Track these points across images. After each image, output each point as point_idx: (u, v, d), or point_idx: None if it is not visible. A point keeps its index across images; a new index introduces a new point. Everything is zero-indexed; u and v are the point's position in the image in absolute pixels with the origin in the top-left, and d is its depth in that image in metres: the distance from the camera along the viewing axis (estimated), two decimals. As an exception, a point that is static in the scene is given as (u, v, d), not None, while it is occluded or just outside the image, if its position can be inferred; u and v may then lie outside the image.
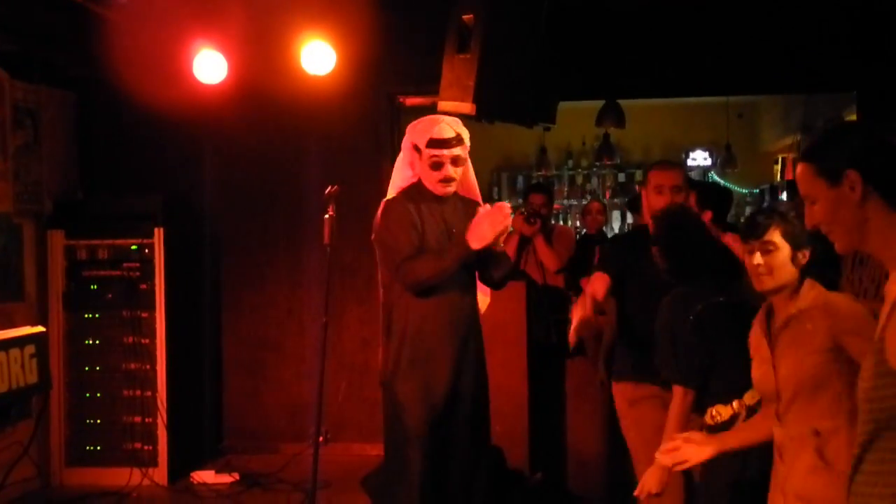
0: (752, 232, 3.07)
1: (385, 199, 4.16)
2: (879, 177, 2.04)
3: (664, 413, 3.77)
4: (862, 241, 2.09)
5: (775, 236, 3.03)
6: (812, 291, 3.00)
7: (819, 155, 2.15)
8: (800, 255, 3.03)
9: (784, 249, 3.02)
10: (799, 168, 2.21)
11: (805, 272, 3.04)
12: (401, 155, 4.24)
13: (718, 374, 3.49)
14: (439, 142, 4.04)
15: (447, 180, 4.09)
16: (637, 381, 4.27)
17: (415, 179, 4.16)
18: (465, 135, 4.15)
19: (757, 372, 3.11)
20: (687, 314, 3.63)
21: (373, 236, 4.14)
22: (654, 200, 4.27)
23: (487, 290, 4.40)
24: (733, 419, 3.50)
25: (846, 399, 2.84)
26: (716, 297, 3.63)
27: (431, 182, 4.10)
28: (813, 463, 2.90)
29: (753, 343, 3.16)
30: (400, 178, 4.21)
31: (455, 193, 4.21)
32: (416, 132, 4.12)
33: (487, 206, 4.09)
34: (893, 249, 2.03)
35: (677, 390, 3.64)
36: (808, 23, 6.32)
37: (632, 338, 4.34)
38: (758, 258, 3.04)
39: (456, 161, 4.09)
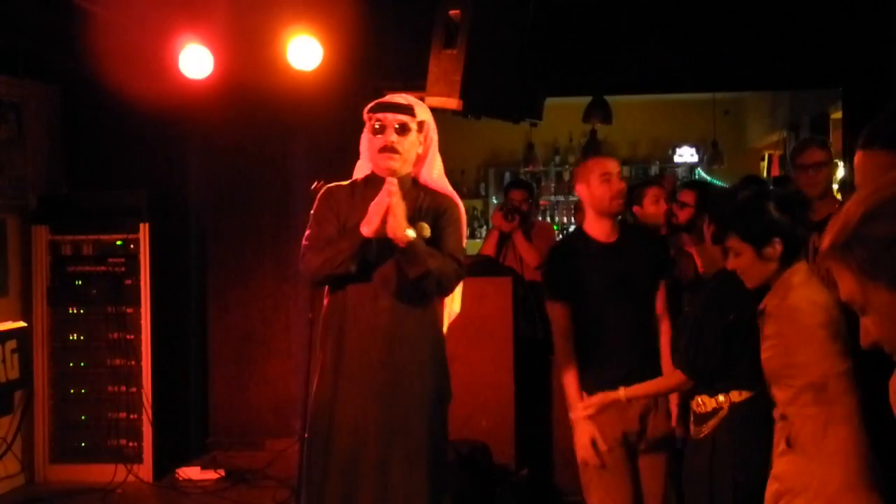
0: (714, 238, 3.08)
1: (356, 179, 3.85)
2: None
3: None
4: None
5: (733, 241, 3.02)
6: (793, 290, 2.97)
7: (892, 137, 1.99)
8: (767, 250, 2.98)
9: (746, 251, 3.00)
10: (863, 156, 2.04)
11: (787, 259, 2.99)
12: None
13: (726, 374, 3.48)
14: (383, 105, 3.69)
15: (386, 149, 3.62)
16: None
17: (369, 171, 3.77)
18: (423, 113, 3.84)
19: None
20: (719, 318, 3.55)
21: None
22: (601, 189, 4.04)
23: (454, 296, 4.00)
24: (714, 412, 3.49)
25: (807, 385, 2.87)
26: (749, 307, 3.44)
27: (372, 154, 3.67)
28: (783, 446, 2.95)
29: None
30: (362, 165, 3.86)
31: (424, 186, 3.81)
32: (370, 106, 3.76)
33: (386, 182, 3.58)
34: None
35: (678, 374, 3.64)
36: (794, 19, 6.32)
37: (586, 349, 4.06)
38: (730, 263, 3.06)
39: (402, 130, 3.66)
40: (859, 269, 1.45)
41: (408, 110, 3.73)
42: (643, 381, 3.74)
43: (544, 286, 4.32)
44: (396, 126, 3.67)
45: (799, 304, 2.95)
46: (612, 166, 4.13)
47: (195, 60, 6.01)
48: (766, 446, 3.11)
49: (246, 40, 6.24)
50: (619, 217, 4.21)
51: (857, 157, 2.03)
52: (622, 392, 3.72)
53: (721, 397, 3.48)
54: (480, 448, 5.20)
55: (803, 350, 2.90)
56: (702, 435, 3.50)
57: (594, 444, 3.87)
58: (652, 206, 5.05)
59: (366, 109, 3.72)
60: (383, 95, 6.75)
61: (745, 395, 3.40)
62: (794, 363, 2.92)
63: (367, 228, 3.52)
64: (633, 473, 4.00)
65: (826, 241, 1.49)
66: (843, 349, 2.88)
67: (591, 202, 4.12)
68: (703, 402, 3.53)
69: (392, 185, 3.50)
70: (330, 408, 3.60)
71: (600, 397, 3.76)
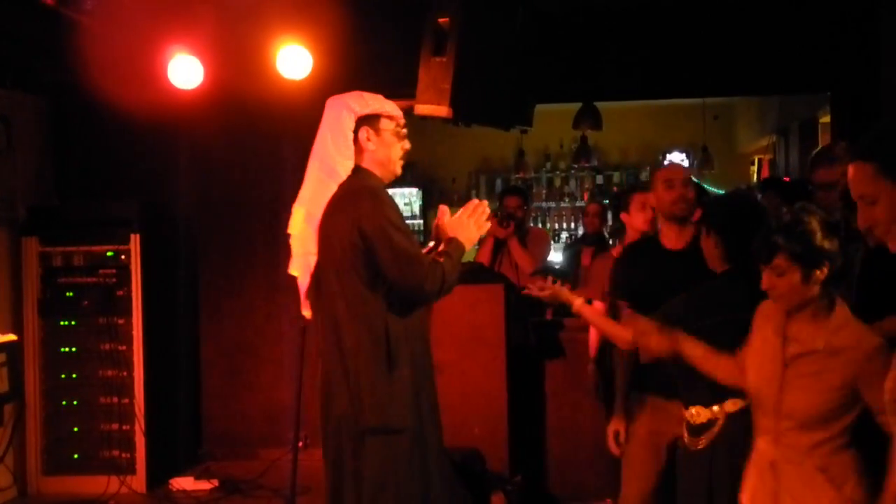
0: (759, 256, 2.95)
1: (361, 183, 3.48)
2: None
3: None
4: None
5: (781, 260, 2.89)
6: (847, 327, 2.88)
7: (881, 153, 2.09)
8: (816, 273, 2.87)
9: (794, 272, 2.88)
10: (854, 168, 2.14)
11: (828, 286, 2.90)
12: (332, 139, 3.51)
13: (703, 379, 3.44)
14: (404, 110, 3.62)
15: (405, 155, 3.62)
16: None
17: (351, 164, 3.50)
18: None
19: (757, 374, 3.04)
20: (696, 320, 3.54)
21: (371, 229, 3.35)
22: (663, 195, 4.22)
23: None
24: (710, 423, 3.48)
25: (850, 426, 2.86)
26: (725, 315, 3.46)
27: (393, 160, 3.56)
28: (817, 482, 2.90)
29: (759, 338, 3.08)
30: (345, 167, 3.48)
31: None
32: (362, 101, 3.54)
33: (474, 200, 3.72)
34: None
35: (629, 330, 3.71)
36: (782, 25, 6.34)
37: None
38: (766, 281, 2.94)
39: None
40: (878, 168, 2.06)
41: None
42: (697, 389, 3.56)
43: (610, 283, 4.48)
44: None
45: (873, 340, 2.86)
46: (676, 174, 4.26)
47: (184, 70, 6.00)
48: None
49: (235, 50, 6.23)
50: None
51: (863, 169, 2.15)
52: (578, 301, 3.89)
53: (716, 408, 3.46)
54: (473, 455, 5.19)
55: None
56: (698, 447, 3.49)
57: (616, 437, 4.19)
58: (639, 213, 5.06)
59: (380, 108, 3.57)
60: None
61: (739, 404, 3.36)
62: None
63: (470, 243, 3.63)
64: (661, 470, 4.05)
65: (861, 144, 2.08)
66: None
67: (658, 207, 4.29)
68: (697, 413, 3.51)
69: (486, 204, 3.68)
70: (417, 402, 3.50)
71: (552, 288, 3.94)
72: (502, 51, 5.25)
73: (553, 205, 11.31)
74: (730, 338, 3.23)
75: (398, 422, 3.41)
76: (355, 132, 3.50)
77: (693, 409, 3.54)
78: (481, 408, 5.52)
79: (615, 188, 11.15)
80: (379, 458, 3.38)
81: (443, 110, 4.98)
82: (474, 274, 5.84)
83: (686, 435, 3.57)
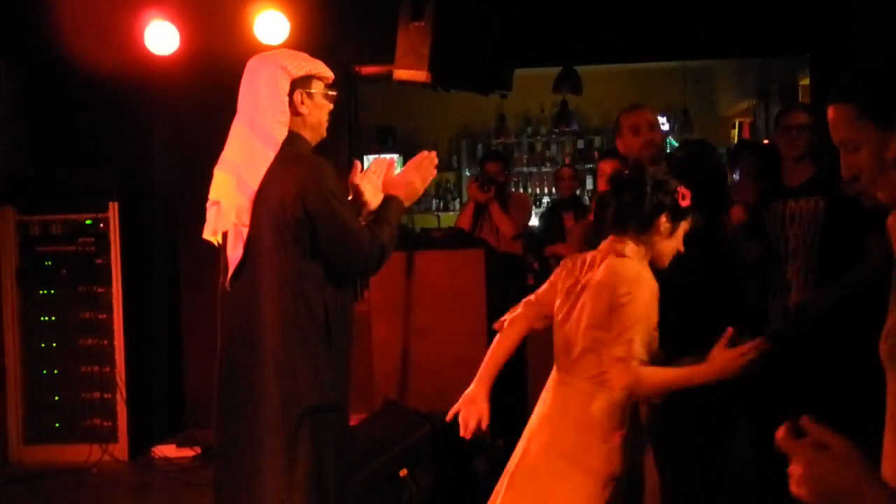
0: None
1: (299, 151, 3.27)
2: None
3: None
4: None
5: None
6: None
7: (861, 93, 1.94)
8: (659, 224, 3.03)
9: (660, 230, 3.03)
10: (833, 111, 1.99)
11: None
12: (269, 98, 3.25)
13: None
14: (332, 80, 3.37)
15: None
16: None
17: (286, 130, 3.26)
18: None
19: None
20: None
21: (315, 201, 3.16)
22: (630, 141, 4.22)
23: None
24: None
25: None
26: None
27: (321, 124, 3.35)
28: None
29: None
30: (281, 132, 3.23)
31: None
32: (297, 62, 3.29)
33: (423, 152, 3.49)
34: None
35: None
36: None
37: None
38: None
39: None
40: (859, 110, 1.88)
41: None
42: None
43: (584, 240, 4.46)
44: None
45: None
46: (640, 118, 4.29)
47: (161, 36, 5.96)
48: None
49: (212, 15, 6.19)
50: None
51: (828, 113, 2.03)
52: None
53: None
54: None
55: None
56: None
57: None
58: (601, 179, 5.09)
59: (312, 69, 3.32)
60: (352, 70, 6.80)
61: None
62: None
63: (411, 199, 3.45)
64: None
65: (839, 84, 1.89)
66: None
67: (626, 154, 4.34)
68: None
69: (434, 156, 3.50)
70: (347, 378, 3.37)
71: None
72: (481, 15, 5.23)
73: (534, 169, 11.28)
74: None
75: (337, 399, 3.27)
76: (290, 95, 3.25)
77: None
78: (463, 373, 5.48)
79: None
80: (318, 437, 3.21)
81: (421, 75, 4.96)
82: (455, 238, 5.84)
83: None
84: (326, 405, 3.22)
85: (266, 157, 3.23)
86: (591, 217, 5.15)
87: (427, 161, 3.48)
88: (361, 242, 3.20)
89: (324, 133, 3.39)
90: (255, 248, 3.25)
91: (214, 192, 3.46)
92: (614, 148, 8.32)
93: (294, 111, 3.26)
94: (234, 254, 3.31)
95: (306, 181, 3.16)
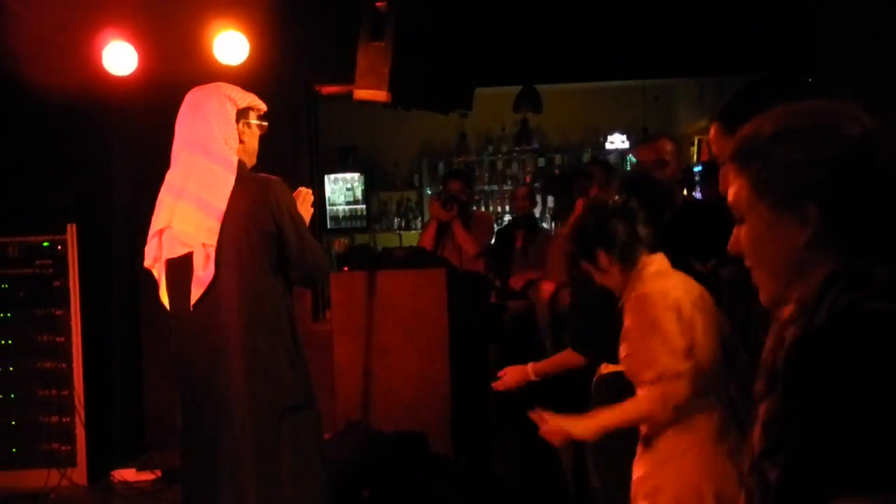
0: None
1: (261, 174, 3.60)
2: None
3: None
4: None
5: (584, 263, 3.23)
6: (645, 280, 3.08)
7: (723, 112, 2.13)
8: (599, 259, 3.14)
9: (599, 266, 3.16)
10: (719, 129, 2.10)
11: (626, 254, 3.10)
12: (220, 126, 3.57)
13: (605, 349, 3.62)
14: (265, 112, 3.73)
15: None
16: None
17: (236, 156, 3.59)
18: None
19: None
20: (584, 292, 3.74)
21: (282, 216, 3.51)
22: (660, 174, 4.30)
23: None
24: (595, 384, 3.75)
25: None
26: None
27: (255, 151, 3.69)
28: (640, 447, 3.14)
29: None
30: (233, 155, 3.56)
31: None
32: (240, 94, 3.65)
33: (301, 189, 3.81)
34: None
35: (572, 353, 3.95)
36: (720, 7, 6.42)
37: None
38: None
39: None
40: (751, 182, 1.54)
41: None
42: None
43: None
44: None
45: (649, 292, 3.01)
46: (646, 155, 4.50)
47: (119, 57, 5.92)
48: None
49: (170, 35, 6.16)
50: None
51: (712, 131, 2.12)
52: (529, 368, 4.07)
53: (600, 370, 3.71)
54: (418, 438, 5.20)
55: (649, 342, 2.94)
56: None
57: None
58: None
59: (251, 102, 3.69)
60: (312, 90, 6.80)
61: (610, 368, 3.55)
62: (641, 357, 2.95)
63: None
64: None
65: (732, 145, 1.60)
66: (686, 348, 2.90)
67: None
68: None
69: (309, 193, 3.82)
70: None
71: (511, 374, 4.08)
72: (441, 35, 5.26)
73: (496, 188, 11.32)
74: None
75: (311, 396, 3.60)
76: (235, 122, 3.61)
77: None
78: (425, 392, 5.52)
79: (557, 170, 11.20)
80: (301, 433, 3.52)
81: (381, 95, 4.97)
82: (416, 257, 5.84)
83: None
84: (304, 403, 3.54)
85: (228, 180, 3.48)
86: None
87: (305, 196, 3.77)
88: (323, 255, 3.62)
89: (254, 160, 3.68)
90: (221, 266, 3.47)
91: (164, 219, 3.62)
92: (459, 169, 8.45)
93: (238, 139, 3.58)
94: (206, 273, 3.48)
95: (274, 198, 3.47)
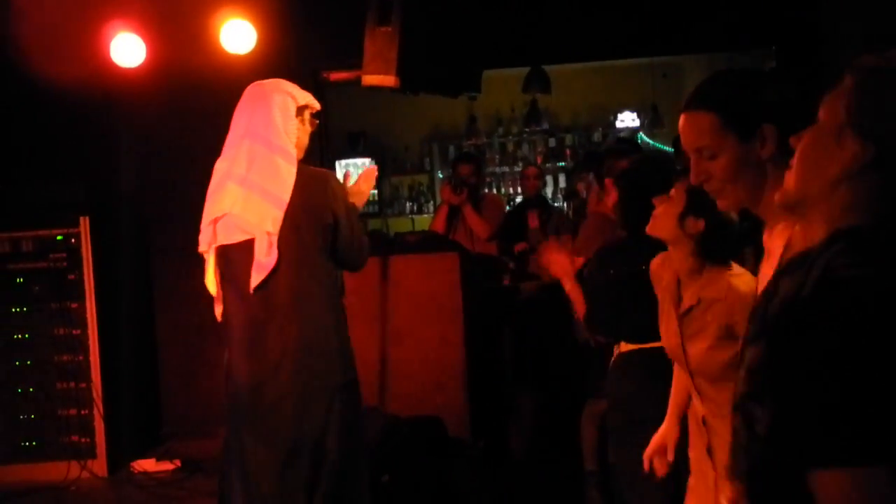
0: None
1: (317, 169, 3.94)
2: (792, 133, 1.88)
3: None
4: (755, 201, 1.97)
5: (676, 187, 2.95)
6: (717, 280, 2.86)
7: (729, 104, 1.98)
8: (689, 222, 2.87)
9: (677, 204, 2.91)
10: (692, 118, 2.03)
11: (701, 244, 2.88)
12: (282, 120, 3.76)
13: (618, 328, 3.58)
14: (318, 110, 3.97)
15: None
16: None
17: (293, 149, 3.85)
18: None
19: (665, 333, 3.06)
20: (602, 275, 3.69)
21: (342, 213, 3.75)
22: None
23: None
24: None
25: None
26: (634, 265, 3.46)
27: (305, 147, 3.90)
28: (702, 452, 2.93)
29: (658, 295, 3.11)
30: (293, 149, 3.78)
31: None
32: (298, 92, 3.87)
33: (367, 165, 4.19)
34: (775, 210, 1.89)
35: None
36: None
37: None
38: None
39: None
40: (727, 119, 1.95)
41: None
42: None
43: None
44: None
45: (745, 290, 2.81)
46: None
47: (127, 49, 5.93)
48: (647, 398, 3.17)
49: (178, 26, 6.16)
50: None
51: (681, 119, 2.07)
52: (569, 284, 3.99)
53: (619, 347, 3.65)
54: (434, 423, 5.22)
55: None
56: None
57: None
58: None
59: (310, 101, 3.90)
60: (320, 77, 6.79)
61: (630, 347, 3.52)
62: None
63: (361, 204, 4.01)
64: None
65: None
66: None
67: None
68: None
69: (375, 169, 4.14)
70: None
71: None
72: (448, 18, 5.23)
73: (507, 169, 11.29)
74: (631, 291, 3.33)
75: (355, 373, 3.83)
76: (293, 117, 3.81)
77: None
78: (441, 375, 5.53)
79: (568, 150, 11.17)
80: (345, 410, 3.71)
81: (390, 80, 4.96)
82: (429, 242, 5.85)
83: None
84: (355, 379, 3.80)
85: (291, 172, 3.69)
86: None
87: (373, 174, 4.09)
88: (367, 247, 3.89)
89: (303, 154, 3.86)
90: (281, 253, 3.67)
91: (226, 205, 3.79)
92: (469, 152, 8.41)
93: (296, 133, 3.81)
94: (269, 259, 3.66)
95: (332, 192, 3.73)
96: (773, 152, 1.93)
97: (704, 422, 2.88)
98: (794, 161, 1.56)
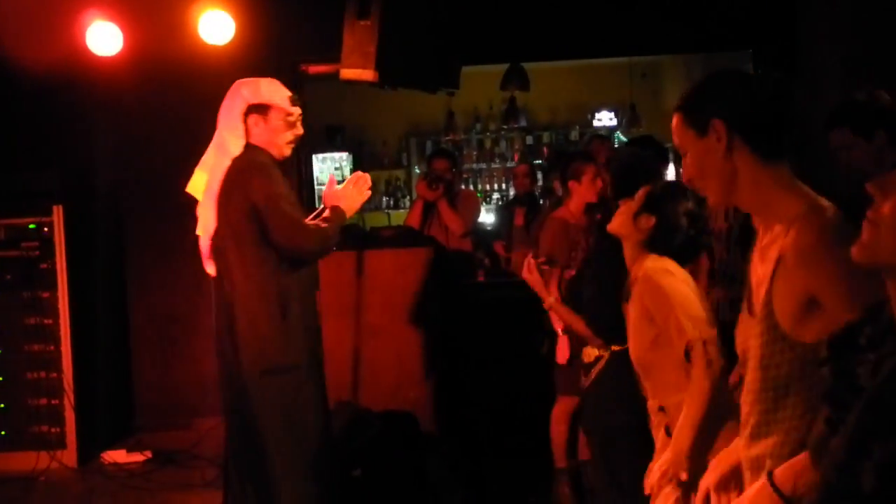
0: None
1: (251, 159, 3.92)
2: (744, 126, 1.99)
3: None
4: (733, 195, 2.03)
5: (642, 188, 3.14)
6: (647, 262, 3.03)
7: (688, 105, 2.09)
8: (642, 218, 3.05)
9: (636, 203, 3.09)
10: (673, 119, 2.14)
11: (648, 238, 3.05)
12: (226, 121, 3.97)
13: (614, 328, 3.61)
14: (295, 99, 4.01)
15: (296, 141, 4.06)
16: None
17: (240, 150, 3.95)
18: None
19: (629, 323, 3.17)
20: (603, 275, 3.71)
21: (261, 200, 3.82)
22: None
23: None
24: (596, 360, 3.69)
25: (680, 371, 2.87)
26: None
27: (279, 143, 3.97)
28: (665, 438, 2.95)
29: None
30: (235, 146, 3.94)
31: None
32: (258, 92, 3.95)
33: (343, 160, 4.23)
34: (767, 205, 1.98)
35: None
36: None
37: None
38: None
39: (300, 121, 4.07)
40: (685, 116, 2.07)
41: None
42: None
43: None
44: (301, 117, 4.08)
45: (655, 267, 3.00)
46: None
47: (103, 37, 5.89)
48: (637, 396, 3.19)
49: (155, 15, 6.12)
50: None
51: (675, 119, 2.12)
52: (553, 300, 4.09)
53: (602, 349, 3.67)
54: (407, 418, 5.22)
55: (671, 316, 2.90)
56: (588, 383, 3.73)
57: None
58: (591, 185, 4.96)
59: (270, 97, 3.96)
60: (299, 70, 6.76)
61: (621, 347, 3.49)
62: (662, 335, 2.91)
63: (351, 211, 4.11)
64: None
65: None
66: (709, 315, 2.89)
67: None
68: (588, 353, 3.75)
69: (369, 177, 4.18)
70: (309, 344, 3.99)
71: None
72: (427, 13, 5.23)
73: (484, 166, 11.29)
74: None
75: (290, 360, 3.88)
76: (246, 115, 3.94)
77: (585, 350, 3.80)
78: (414, 371, 5.53)
79: (545, 148, 11.18)
80: (273, 395, 3.85)
81: (368, 74, 4.94)
82: (404, 237, 5.84)
83: (583, 374, 3.80)
84: (279, 367, 3.86)
85: (222, 164, 3.94)
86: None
87: (362, 181, 4.14)
88: (303, 230, 3.87)
89: (283, 152, 4.02)
90: (222, 245, 3.96)
91: (190, 187, 4.15)
92: (445, 148, 8.42)
93: (248, 129, 3.95)
94: (205, 242, 4.05)
95: (253, 185, 3.83)
96: (727, 146, 2.00)
97: (662, 409, 2.99)
98: (886, 220, 1.49)
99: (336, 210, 4.06)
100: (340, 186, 4.18)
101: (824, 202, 1.94)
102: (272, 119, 3.95)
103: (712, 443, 2.74)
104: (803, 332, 1.87)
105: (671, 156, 9.75)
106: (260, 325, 3.86)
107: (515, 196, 7.84)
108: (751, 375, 1.98)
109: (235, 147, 3.93)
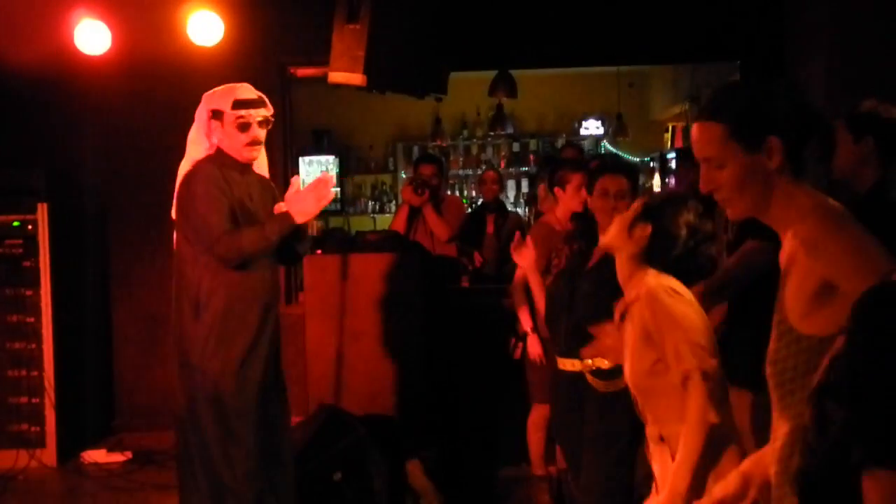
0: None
1: (190, 166, 3.98)
2: (797, 144, 1.96)
3: None
4: (763, 210, 2.00)
5: (637, 200, 2.97)
6: (641, 280, 2.84)
7: (740, 119, 2.00)
8: (637, 228, 2.87)
9: (631, 214, 2.90)
10: (702, 128, 2.05)
11: (643, 249, 2.87)
12: (194, 127, 4.09)
13: None
14: (245, 102, 3.96)
15: (254, 143, 3.99)
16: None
17: (212, 150, 4.02)
18: (268, 101, 4.09)
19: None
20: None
21: (175, 207, 3.98)
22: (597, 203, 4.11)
23: None
24: (577, 375, 3.61)
25: (681, 398, 2.70)
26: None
27: (237, 147, 3.98)
28: (664, 471, 2.79)
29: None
30: (196, 151, 4.05)
31: (252, 170, 4.11)
32: (214, 98, 4.02)
33: (322, 174, 4.08)
34: (794, 219, 1.95)
35: None
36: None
37: None
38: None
39: (263, 123, 4.00)
40: (733, 130, 1.99)
41: (264, 103, 4.04)
42: None
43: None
44: (259, 120, 3.99)
45: (659, 285, 2.81)
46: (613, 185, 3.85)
47: (92, 36, 5.87)
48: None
49: (144, 15, 6.11)
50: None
51: (693, 129, 2.08)
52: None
53: (580, 363, 3.56)
54: (389, 422, 5.22)
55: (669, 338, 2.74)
56: (617, 388, 3.42)
57: None
58: (576, 194, 4.86)
59: (218, 104, 3.98)
60: (287, 72, 6.77)
61: (611, 363, 3.41)
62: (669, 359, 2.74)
63: (303, 217, 3.92)
64: None
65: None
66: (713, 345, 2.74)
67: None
68: (573, 365, 3.63)
69: (332, 181, 4.05)
70: (225, 348, 3.94)
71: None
72: (416, 18, 5.24)
73: (470, 172, 11.31)
74: None
75: (193, 359, 3.91)
76: (210, 121, 4.01)
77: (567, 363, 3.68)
78: (398, 376, 5.54)
79: (532, 155, 11.21)
80: (183, 388, 3.96)
81: (356, 78, 4.95)
82: (390, 241, 5.84)
83: (593, 381, 3.58)
84: (186, 362, 3.92)
85: (183, 168, 4.05)
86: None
87: (323, 184, 3.98)
88: (208, 232, 3.84)
89: (244, 155, 4.00)
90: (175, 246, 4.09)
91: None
92: (431, 154, 8.43)
93: (210, 136, 4.02)
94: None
95: (181, 187, 3.96)
96: (780, 164, 1.96)
97: (662, 438, 2.82)
98: None
99: (279, 216, 3.95)
100: (300, 190, 4.06)
101: (832, 201, 1.95)
102: (226, 124, 3.97)
103: (715, 465, 2.64)
104: (810, 325, 1.87)
105: (657, 166, 9.83)
106: (180, 320, 3.96)
107: (484, 203, 7.84)
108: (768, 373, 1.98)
109: (196, 152, 4.03)
